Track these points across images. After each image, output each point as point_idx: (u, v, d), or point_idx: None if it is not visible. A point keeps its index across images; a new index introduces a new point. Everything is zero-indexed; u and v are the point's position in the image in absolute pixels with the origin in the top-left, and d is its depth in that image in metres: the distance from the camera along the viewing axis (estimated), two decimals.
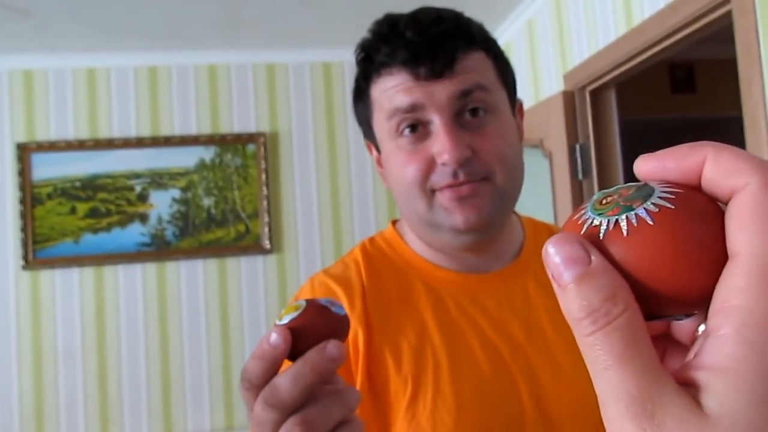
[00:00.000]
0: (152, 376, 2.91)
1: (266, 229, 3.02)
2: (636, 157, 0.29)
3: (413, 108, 0.78)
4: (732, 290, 0.23)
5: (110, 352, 2.89)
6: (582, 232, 0.27)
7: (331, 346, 0.48)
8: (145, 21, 2.64)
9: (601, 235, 0.26)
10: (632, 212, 0.26)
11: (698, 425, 0.22)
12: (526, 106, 2.59)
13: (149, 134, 3.00)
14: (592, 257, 0.25)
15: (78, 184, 2.93)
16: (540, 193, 2.48)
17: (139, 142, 2.98)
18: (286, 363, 0.50)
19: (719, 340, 0.23)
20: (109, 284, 2.92)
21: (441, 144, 0.77)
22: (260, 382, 0.48)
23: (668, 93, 3.69)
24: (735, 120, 1.81)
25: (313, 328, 0.49)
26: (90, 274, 2.91)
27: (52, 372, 2.84)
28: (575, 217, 0.28)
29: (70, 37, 2.76)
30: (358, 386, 0.77)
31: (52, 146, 2.92)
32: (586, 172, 2.30)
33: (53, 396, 2.83)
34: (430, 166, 0.79)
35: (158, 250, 2.95)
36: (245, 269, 3.03)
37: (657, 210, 0.25)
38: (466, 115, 0.79)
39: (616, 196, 0.27)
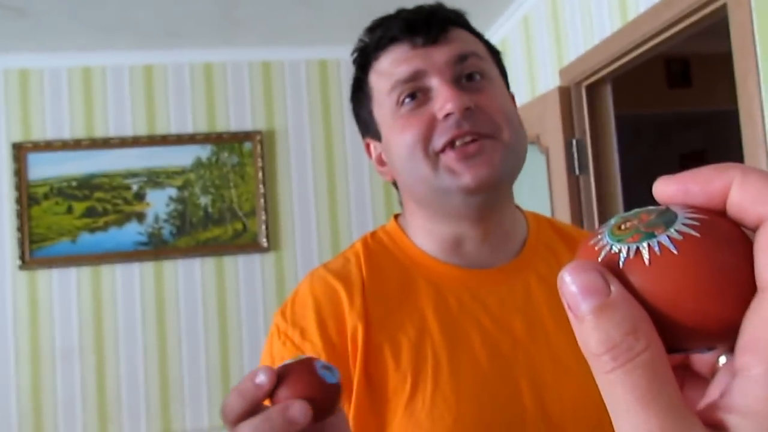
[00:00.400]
0: (150, 375, 2.91)
1: (263, 227, 3.02)
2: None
3: (414, 76, 0.79)
4: (764, 325, 0.22)
5: (108, 351, 2.89)
6: (600, 260, 0.25)
7: (295, 408, 0.49)
8: (140, 19, 2.64)
9: (620, 263, 0.24)
10: (654, 239, 0.24)
11: None
12: (522, 101, 2.60)
13: (145, 133, 3.00)
14: (612, 287, 0.24)
15: (74, 183, 2.92)
16: (537, 189, 2.49)
17: (136, 141, 2.97)
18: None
19: (750, 381, 0.22)
20: (106, 283, 2.92)
21: (443, 97, 0.77)
22: (235, 418, 0.52)
23: (664, 87, 3.70)
24: (731, 114, 1.81)
25: (298, 383, 0.51)
26: (87, 274, 2.91)
27: (50, 371, 2.84)
28: (591, 242, 0.26)
29: (66, 35, 2.76)
30: (355, 382, 0.76)
31: (48, 146, 2.92)
32: (583, 167, 2.31)
33: (51, 395, 2.83)
34: (431, 125, 0.79)
35: (155, 248, 2.95)
36: (243, 267, 3.03)
37: (681, 238, 0.24)
38: (463, 80, 0.80)
39: (636, 222, 0.25)
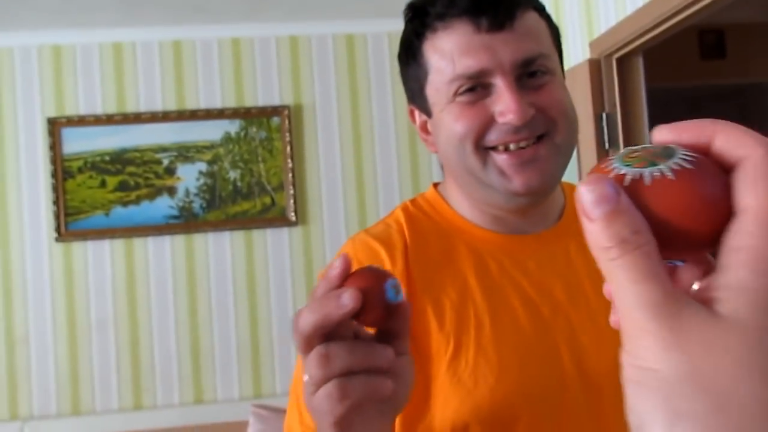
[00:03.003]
0: (182, 346, 2.97)
1: (291, 202, 3.05)
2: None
3: (478, 75, 0.77)
4: (744, 234, 0.28)
5: (141, 321, 2.96)
6: (611, 177, 0.30)
7: (346, 296, 0.53)
8: None
9: (626, 182, 0.30)
10: (657, 167, 0.30)
11: (715, 324, 0.27)
12: None
13: (175, 108, 3.03)
14: (622, 197, 0.29)
15: (107, 157, 2.97)
16: None
17: (166, 116, 3.01)
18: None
19: (733, 269, 0.28)
20: (139, 256, 2.98)
21: (505, 104, 0.76)
22: (310, 335, 0.55)
23: (697, 59, 3.61)
24: (766, 86, 1.77)
25: (374, 306, 0.54)
26: (121, 246, 2.97)
27: (86, 341, 2.92)
28: (602, 165, 0.32)
29: (97, 11, 2.78)
30: None
31: (81, 121, 2.97)
32: (613, 141, 2.28)
33: (88, 364, 2.92)
34: (487, 123, 0.78)
35: (186, 222, 3.00)
36: (271, 241, 3.06)
37: (678, 168, 0.30)
38: (525, 77, 0.79)
39: (642, 153, 0.31)
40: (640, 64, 2.32)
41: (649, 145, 0.32)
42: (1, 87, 2.95)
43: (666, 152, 0.31)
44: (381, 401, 0.57)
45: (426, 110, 0.86)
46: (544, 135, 0.79)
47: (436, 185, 0.93)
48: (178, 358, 2.97)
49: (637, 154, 0.31)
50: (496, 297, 0.81)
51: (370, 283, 0.54)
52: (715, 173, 0.30)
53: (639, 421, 0.28)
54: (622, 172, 0.31)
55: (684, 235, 0.30)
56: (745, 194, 0.29)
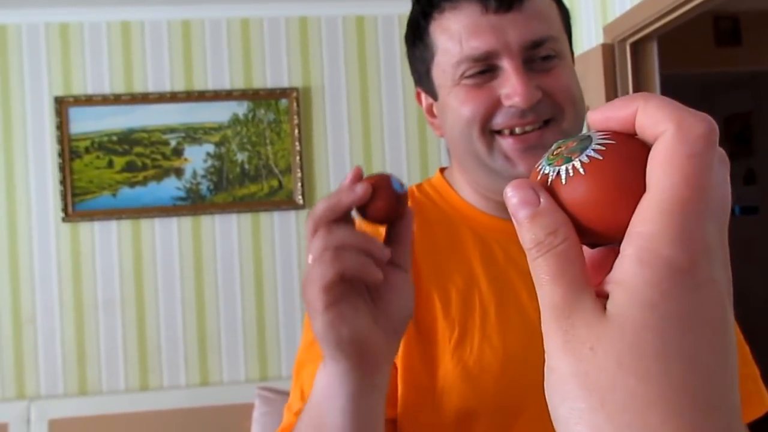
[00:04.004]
0: (188, 328, 2.98)
1: (299, 185, 3.03)
2: None
3: (485, 57, 0.76)
4: (638, 219, 0.28)
5: (148, 303, 2.96)
6: (538, 179, 0.32)
7: (359, 187, 0.58)
8: None
9: (549, 182, 0.31)
10: (570, 163, 0.31)
11: (598, 323, 0.28)
12: None
13: (183, 89, 3.02)
14: (542, 200, 0.30)
15: (115, 138, 2.96)
16: None
17: (173, 97, 2.99)
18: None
19: (622, 260, 0.28)
20: (146, 237, 2.98)
21: (512, 86, 0.75)
22: (323, 220, 0.58)
23: (712, 46, 3.56)
24: None
25: (382, 195, 0.59)
26: (128, 227, 2.97)
27: (93, 322, 2.93)
28: (537, 167, 0.33)
29: None
30: None
31: (89, 100, 2.95)
32: None
33: (94, 345, 2.93)
34: (494, 105, 0.77)
35: (193, 204, 2.99)
36: (278, 224, 3.06)
37: (588, 161, 0.30)
38: (534, 60, 0.77)
39: (563, 148, 0.32)
40: (654, 49, 2.29)
41: (572, 138, 0.32)
42: (8, 65, 2.94)
43: (582, 144, 0.31)
44: (372, 285, 0.60)
45: (432, 93, 0.85)
46: (551, 120, 0.78)
47: (443, 170, 0.92)
48: (184, 340, 2.98)
49: (559, 150, 0.32)
50: (502, 285, 0.81)
51: (377, 178, 0.59)
52: (632, 157, 0.30)
53: (554, 417, 0.29)
54: (545, 171, 0.32)
55: (605, 226, 0.30)
56: (650, 176, 0.28)
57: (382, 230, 0.64)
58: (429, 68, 0.83)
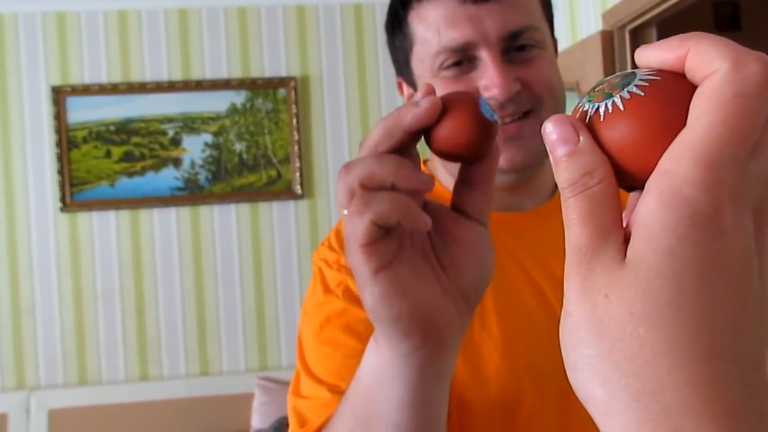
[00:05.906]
0: (188, 317, 2.98)
1: (297, 174, 3.03)
2: None
3: (463, 47, 0.75)
4: (668, 155, 0.27)
5: (147, 293, 2.96)
6: (577, 116, 0.30)
7: (425, 101, 0.43)
8: None
9: (587, 119, 0.30)
10: (610, 99, 0.29)
11: (617, 270, 0.27)
12: (562, 46, 2.52)
13: (181, 78, 3.00)
14: (581, 137, 0.29)
15: (112, 127, 2.95)
16: None
17: (171, 86, 2.98)
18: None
19: (645, 198, 0.27)
20: (144, 227, 2.97)
21: (489, 78, 0.74)
22: (376, 147, 0.45)
23: (712, 31, 3.54)
24: None
25: (461, 119, 0.43)
26: (126, 217, 2.96)
27: (92, 312, 2.93)
28: (578, 103, 0.31)
29: None
30: None
31: (86, 90, 2.94)
32: None
33: (94, 335, 2.93)
34: None
35: (192, 194, 2.99)
36: (277, 214, 3.05)
37: (629, 97, 0.28)
38: (512, 51, 0.77)
39: (605, 85, 0.30)
40: (653, 36, 2.27)
41: (617, 74, 0.30)
42: (5, 54, 2.92)
43: (625, 80, 0.29)
44: (418, 233, 0.48)
45: (412, 83, 0.84)
46: (531, 111, 0.77)
47: (425, 162, 0.91)
48: (183, 330, 2.98)
49: (601, 86, 0.30)
50: (498, 274, 0.79)
51: (458, 95, 0.44)
52: (672, 96, 0.28)
53: (565, 361, 0.29)
54: (585, 108, 0.30)
55: (642, 168, 0.28)
56: (691, 112, 0.27)
57: None
58: (408, 58, 0.82)
